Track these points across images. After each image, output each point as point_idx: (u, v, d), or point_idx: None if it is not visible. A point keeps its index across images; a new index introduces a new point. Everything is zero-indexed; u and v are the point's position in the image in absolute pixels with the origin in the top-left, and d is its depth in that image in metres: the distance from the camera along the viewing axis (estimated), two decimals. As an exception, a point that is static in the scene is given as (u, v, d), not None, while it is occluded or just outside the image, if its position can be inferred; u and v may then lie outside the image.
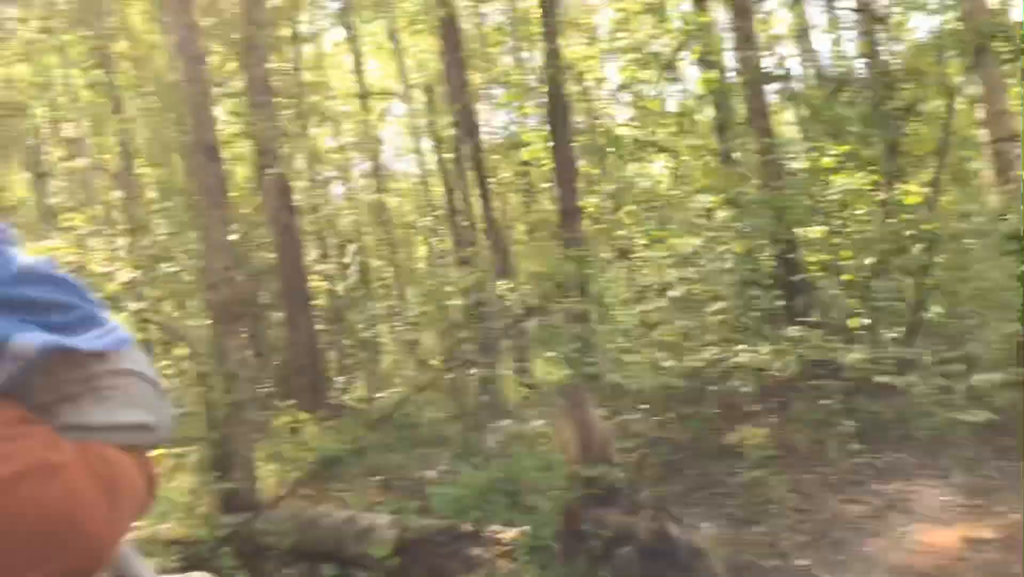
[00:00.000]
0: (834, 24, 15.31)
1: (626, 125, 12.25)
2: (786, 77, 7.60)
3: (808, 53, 14.73)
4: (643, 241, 9.14)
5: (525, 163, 15.25)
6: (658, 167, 14.21)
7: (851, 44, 13.85)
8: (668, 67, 9.99)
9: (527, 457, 4.71)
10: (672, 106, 14.30)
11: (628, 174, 13.10)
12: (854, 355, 5.52)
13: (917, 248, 7.20)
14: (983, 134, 8.52)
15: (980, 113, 8.55)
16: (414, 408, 8.79)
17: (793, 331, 5.91)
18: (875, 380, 5.55)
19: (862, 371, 5.77)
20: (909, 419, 5.42)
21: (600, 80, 13.77)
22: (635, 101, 14.26)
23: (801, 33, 15.62)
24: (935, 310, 6.83)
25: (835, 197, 7.89)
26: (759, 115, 7.67)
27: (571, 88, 12.92)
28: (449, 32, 12.21)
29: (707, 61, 10.10)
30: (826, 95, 7.82)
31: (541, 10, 10.24)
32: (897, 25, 14.18)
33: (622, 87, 14.12)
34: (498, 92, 16.11)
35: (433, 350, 11.13)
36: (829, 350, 5.67)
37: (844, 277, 7.62)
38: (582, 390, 4.30)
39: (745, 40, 7.60)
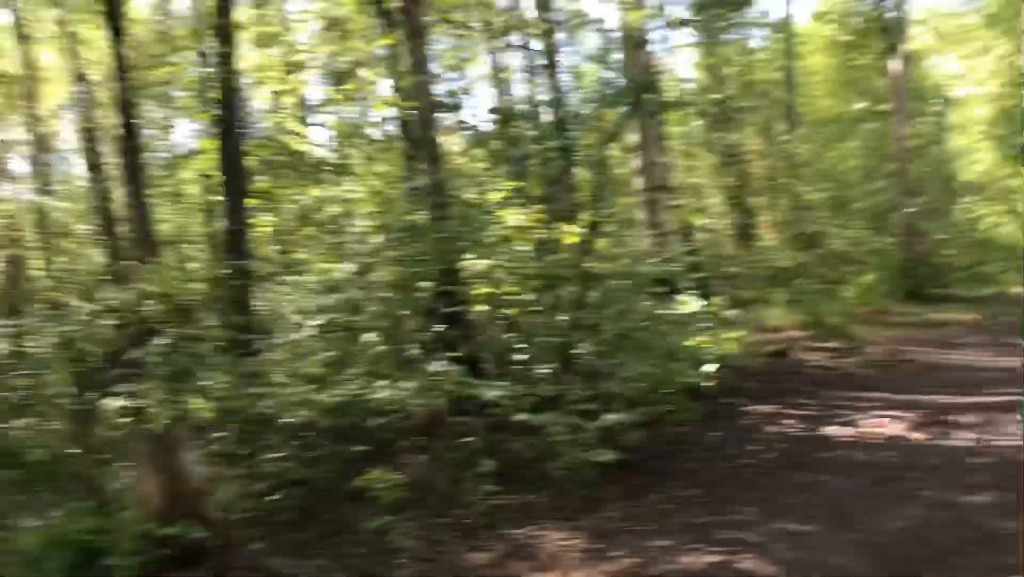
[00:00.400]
0: (528, 69, 15.90)
1: (307, 143, 11.74)
2: (457, 107, 7.51)
3: (502, 92, 15.11)
4: (313, 265, 8.67)
5: (204, 175, 14.21)
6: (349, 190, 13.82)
7: (537, 89, 14.43)
8: (346, 85, 9.64)
9: (105, 510, 4.04)
10: (363, 128, 14.03)
11: (312, 195, 12.57)
12: (495, 392, 5.41)
13: (571, 287, 7.38)
14: (639, 182, 9.10)
15: (636, 162, 9.13)
16: (31, 444, 7.61)
17: (441, 366, 5.71)
18: (516, 418, 5.48)
19: (506, 408, 5.69)
20: (546, 459, 5.38)
21: (285, 94, 13.14)
22: (325, 121, 13.81)
23: (495, 73, 16.00)
24: (585, 348, 6.96)
25: (501, 232, 7.91)
26: (430, 143, 7.51)
27: (251, 99, 12.20)
28: (115, 25, 11.03)
29: (396, 85, 9.91)
30: (497, 131, 7.84)
31: (216, 11, 9.49)
32: (578, 75, 15.00)
33: (308, 104, 13.61)
34: (177, 96, 14.96)
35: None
36: (472, 387, 5.52)
37: (505, 312, 7.61)
38: (177, 432, 3.73)
39: (418, 65, 7.43)
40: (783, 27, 22.18)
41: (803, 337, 10.42)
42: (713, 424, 6.41)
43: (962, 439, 5.65)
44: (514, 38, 10.81)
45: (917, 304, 14.64)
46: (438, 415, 5.78)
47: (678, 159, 21.54)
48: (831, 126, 25.21)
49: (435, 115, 7.53)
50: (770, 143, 21.60)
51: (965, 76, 34.73)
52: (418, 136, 7.86)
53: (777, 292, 13.20)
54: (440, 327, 6.94)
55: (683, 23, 8.22)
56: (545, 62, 12.58)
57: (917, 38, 31.54)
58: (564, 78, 10.69)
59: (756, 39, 24.03)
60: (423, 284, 6.71)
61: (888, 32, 20.04)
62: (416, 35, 7.58)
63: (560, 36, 13.61)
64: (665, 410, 5.99)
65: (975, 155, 31.19)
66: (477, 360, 6.95)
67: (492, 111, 8.78)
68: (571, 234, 7.94)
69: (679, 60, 24.53)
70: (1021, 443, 5.36)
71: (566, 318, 7.14)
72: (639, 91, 6.97)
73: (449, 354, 6.43)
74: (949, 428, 5.91)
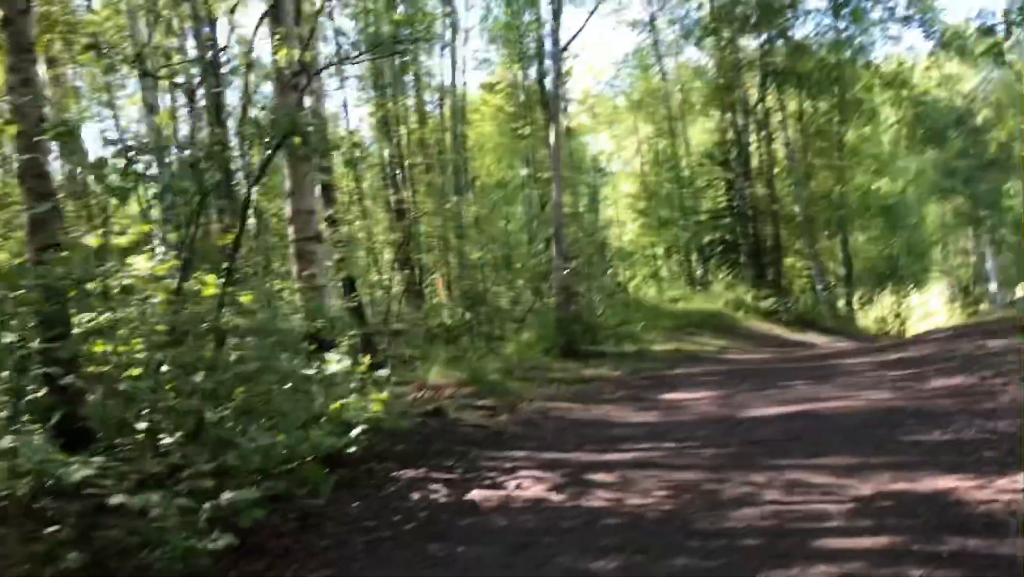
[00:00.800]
0: (186, 105, 14.80)
1: None
2: (70, 134, 6.52)
3: (150, 126, 13.88)
4: None
5: None
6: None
7: (185, 125, 13.45)
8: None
9: None
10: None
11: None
12: (84, 471, 4.53)
13: (205, 344, 6.63)
14: (290, 231, 8.57)
15: (287, 210, 8.61)
16: None
17: (21, 439, 4.71)
18: (116, 500, 4.62)
19: (108, 489, 4.81)
20: (151, 547, 4.57)
21: None
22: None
23: (148, 107, 14.72)
24: (217, 415, 6.21)
25: (126, 280, 6.96)
26: (35, 174, 6.44)
27: None
28: None
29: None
30: (125, 167, 6.92)
31: None
32: (240, 116, 14.22)
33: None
34: None
35: None
36: (58, 464, 4.59)
37: (130, 373, 6.63)
38: None
39: (23, 84, 6.37)
40: (451, 92, 22.91)
41: (462, 394, 10.34)
42: (354, 493, 5.94)
43: (598, 499, 5.65)
44: (159, 71, 9.84)
45: (571, 361, 15.35)
46: (17, 499, 4.75)
47: (352, 211, 21.30)
48: (498, 190, 26.42)
49: (43, 142, 6.47)
50: (441, 203, 22.06)
51: (615, 153, 38.31)
52: (25, 166, 6.73)
53: (440, 349, 13.18)
54: (36, 392, 5.87)
55: (332, 65, 7.90)
56: (201, 100, 11.74)
57: (576, 116, 34.30)
58: (215, 116, 9.94)
59: (429, 104, 24.70)
60: (10, 339, 5.62)
61: (548, 107, 21.33)
62: (22, 52, 6.51)
63: (222, 74, 12.84)
64: (297, 481, 5.42)
65: (623, 225, 34.30)
66: (83, 431, 5.95)
67: (109, 143, 7.82)
68: (209, 285, 7.19)
69: (354, 113, 24.47)
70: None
71: (198, 380, 6.35)
72: (284, 133, 6.46)
73: (42, 424, 5.42)
74: (587, 488, 5.92)
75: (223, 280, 6.83)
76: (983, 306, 37.10)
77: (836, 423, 7.56)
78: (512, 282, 21.76)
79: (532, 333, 17.13)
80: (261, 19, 8.69)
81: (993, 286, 40.25)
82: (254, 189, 6.94)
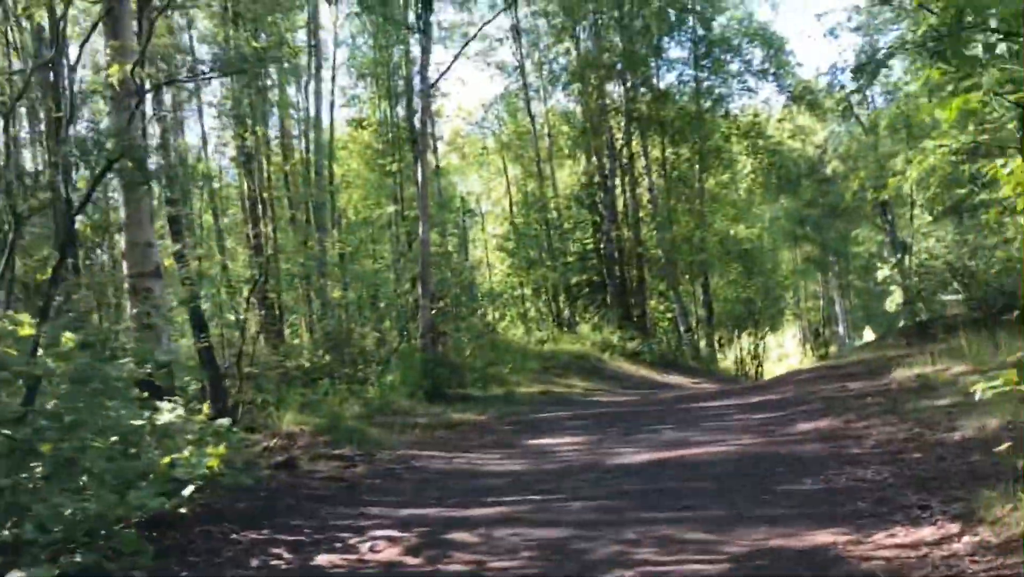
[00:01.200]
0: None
1: None
2: None
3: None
4: None
5: None
6: None
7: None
8: None
9: None
10: None
11: None
12: None
13: (13, 392, 5.80)
14: (125, 266, 7.76)
15: (122, 244, 7.81)
16: None
17: None
18: None
19: None
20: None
21: None
22: None
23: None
24: (19, 475, 5.37)
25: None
26: None
27: None
28: None
29: None
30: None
31: None
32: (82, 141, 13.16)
33: None
34: None
35: None
36: None
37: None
38: None
39: None
40: (317, 126, 22.23)
41: (316, 443, 9.65)
42: (184, 561, 5.22)
43: (458, 562, 5.15)
44: None
45: (437, 404, 14.82)
46: None
47: (209, 245, 20.22)
48: (365, 227, 25.75)
49: None
50: (304, 239, 21.28)
51: (484, 194, 38.28)
52: None
53: (296, 393, 12.41)
54: None
55: (171, 83, 7.25)
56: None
57: (445, 154, 34.08)
58: (55, 137, 9.04)
59: (295, 137, 23.89)
60: None
61: (416, 144, 20.98)
62: None
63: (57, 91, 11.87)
64: (109, 552, 4.70)
65: (492, 265, 34.13)
66: None
67: None
68: (24, 325, 6.34)
69: (215, 143, 23.41)
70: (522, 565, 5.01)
71: (5, 435, 5.51)
72: (114, 157, 5.76)
73: None
74: (447, 549, 5.41)
75: (38, 319, 6.03)
76: (832, 348, 38.79)
77: (706, 471, 7.34)
78: (378, 322, 21.07)
79: (397, 375, 16.51)
80: (92, 28, 7.92)
81: (842, 329, 42.29)
82: (78, 218, 6.18)
